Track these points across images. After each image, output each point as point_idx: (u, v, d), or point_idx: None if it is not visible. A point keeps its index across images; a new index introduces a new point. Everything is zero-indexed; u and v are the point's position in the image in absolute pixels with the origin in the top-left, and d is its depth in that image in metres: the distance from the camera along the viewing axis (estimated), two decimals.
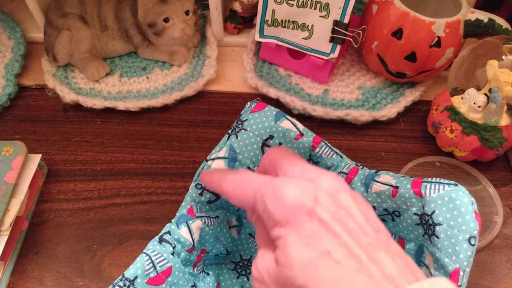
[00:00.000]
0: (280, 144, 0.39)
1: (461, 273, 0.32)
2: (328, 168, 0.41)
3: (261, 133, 0.39)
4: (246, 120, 0.40)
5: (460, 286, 0.32)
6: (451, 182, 0.35)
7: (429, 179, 0.35)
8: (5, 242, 0.44)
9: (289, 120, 0.40)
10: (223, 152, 0.39)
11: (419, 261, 0.36)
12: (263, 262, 0.27)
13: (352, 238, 0.25)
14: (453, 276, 0.32)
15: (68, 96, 0.59)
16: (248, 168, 0.39)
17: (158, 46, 0.62)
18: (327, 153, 0.41)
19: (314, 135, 0.40)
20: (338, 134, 0.57)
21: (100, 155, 0.55)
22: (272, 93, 0.58)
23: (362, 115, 0.55)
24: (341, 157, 0.41)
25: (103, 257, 0.46)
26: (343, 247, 0.24)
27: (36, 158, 0.51)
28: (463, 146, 0.51)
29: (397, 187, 0.36)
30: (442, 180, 0.35)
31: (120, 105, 0.58)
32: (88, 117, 0.59)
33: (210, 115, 0.59)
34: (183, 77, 0.61)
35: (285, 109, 0.57)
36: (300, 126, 0.40)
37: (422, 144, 0.55)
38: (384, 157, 0.54)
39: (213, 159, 0.39)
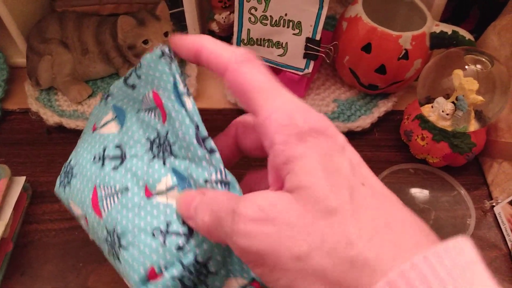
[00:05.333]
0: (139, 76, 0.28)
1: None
2: None
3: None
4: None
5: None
6: None
7: None
8: None
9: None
10: (110, 116, 0.31)
11: None
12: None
13: None
14: None
15: (51, 118, 0.60)
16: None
17: None
18: None
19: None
20: None
21: None
22: None
23: (338, 126, 0.57)
24: None
25: (88, 275, 0.47)
26: None
27: (21, 181, 0.52)
28: (435, 153, 0.53)
29: None
30: None
31: None
32: (72, 139, 0.60)
33: None
34: None
35: None
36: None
37: (396, 152, 0.57)
38: None
39: (103, 125, 0.31)
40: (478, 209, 0.52)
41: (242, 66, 0.22)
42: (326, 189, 0.19)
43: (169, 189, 0.26)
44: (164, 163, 0.26)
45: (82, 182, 0.29)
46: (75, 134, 0.60)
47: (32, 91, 0.64)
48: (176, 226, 0.24)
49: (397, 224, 0.19)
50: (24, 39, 0.64)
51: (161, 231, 0.25)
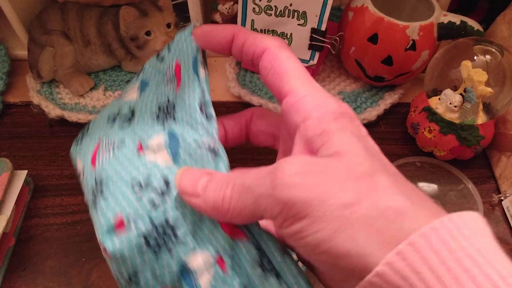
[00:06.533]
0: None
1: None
2: None
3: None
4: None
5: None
6: None
7: None
8: None
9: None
10: (136, 87, 0.32)
11: None
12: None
13: None
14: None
15: (53, 111, 0.59)
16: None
17: (141, 59, 0.63)
18: None
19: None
20: None
21: None
22: (255, 101, 0.59)
23: None
24: None
25: (91, 270, 0.47)
26: None
27: (22, 174, 0.51)
28: (442, 146, 0.52)
29: None
30: None
31: None
32: (74, 132, 0.59)
33: None
34: None
35: None
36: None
37: (402, 145, 0.57)
38: None
39: (127, 94, 0.33)
40: (486, 203, 0.51)
41: (281, 51, 0.24)
42: (365, 156, 0.20)
43: (159, 147, 0.26)
44: (163, 126, 0.27)
45: (91, 138, 0.31)
46: (77, 127, 0.59)
47: (34, 83, 0.63)
48: (156, 183, 0.25)
49: (422, 194, 0.21)
50: (25, 30, 0.63)
51: (141, 185, 0.25)
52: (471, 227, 0.18)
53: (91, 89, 0.63)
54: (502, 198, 0.51)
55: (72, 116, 0.59)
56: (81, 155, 0.31)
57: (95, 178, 0.27)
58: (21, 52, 0.66)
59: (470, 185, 0.52)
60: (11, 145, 0.59)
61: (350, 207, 0.19)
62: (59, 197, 0.53)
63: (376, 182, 0.20)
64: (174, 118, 0.27)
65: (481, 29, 0.53)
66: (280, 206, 0.20)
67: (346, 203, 0.19)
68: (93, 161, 0.29)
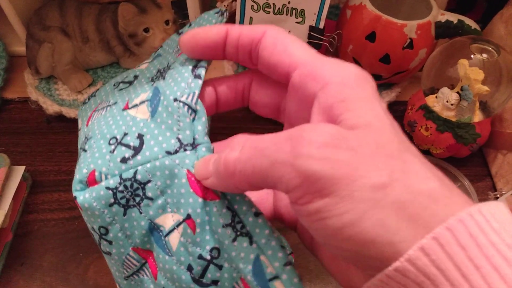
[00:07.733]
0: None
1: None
2: None
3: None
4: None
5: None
6: None
7: None
8: None
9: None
10: (149, 59, 0.33)
11: None
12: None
13: None
14: None
15: (51, 107, 0.59)
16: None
17: (139, 56, 0.63)
18: None
19: None
20: None
21: None
22: None
23: None
24: None
25: (88, 265, 0.47)
26: None
27: (20, 170, 0.51)
28: (439, 143, 0.52)
29: None
30: None
31: None
32: (72, 128, 0.59)
33: None
34: None
35: None
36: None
37: None
38: None
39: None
40: (482, 201, 0.51)
41: (280, 31, 0.23)
42: (393, 132, 0.19)
43: (141, 102, 0.26)
44: (152, 84, 0.27)
45: (95, 100, 0.31)
46: (75, 123, 0.59)
47: (32, 79, 0.63)
48: (130, 138, 0.25)
49: (447, 179, 0.19)
50: (23, 26, 0.63)
51: (116, 140, 0.25)
52: (500, 219, 0.17)
53: (89, 85, 0.63)
54: (498, 195, 0.51)
55: (70, 113, 0.59)
56: (82, 115, 0.32)
57: (85, 135, 0.28)
58: (19, 48, 0.66)
59: (467, 183, 0.53)
60: (9, 141, 0.59)
61: (383, 189, 0.17)
62: (57, 193, 0.53)
63: (406, 162, 0.18)
64: (164, 78, 0.27)
65: (478, 28, 0.54)
66: (300, 179, 0.17)
67: (379, 185, 0.17)
68: (88, 120, 0.29)
